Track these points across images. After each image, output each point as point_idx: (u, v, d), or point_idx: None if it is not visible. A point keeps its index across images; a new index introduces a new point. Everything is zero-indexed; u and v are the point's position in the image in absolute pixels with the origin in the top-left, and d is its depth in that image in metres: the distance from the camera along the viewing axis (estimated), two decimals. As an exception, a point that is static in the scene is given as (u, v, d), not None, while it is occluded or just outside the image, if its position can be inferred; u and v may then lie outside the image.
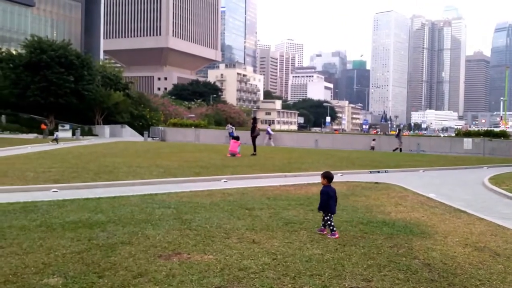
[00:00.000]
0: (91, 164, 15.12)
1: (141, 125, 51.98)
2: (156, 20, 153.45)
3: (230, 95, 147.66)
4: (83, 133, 43.15)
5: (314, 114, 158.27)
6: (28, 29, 68.08)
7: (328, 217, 6.27)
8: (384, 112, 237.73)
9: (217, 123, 72.68)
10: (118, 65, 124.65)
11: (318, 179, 12.93)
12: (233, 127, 37.53)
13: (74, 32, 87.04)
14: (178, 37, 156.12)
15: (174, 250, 5.24)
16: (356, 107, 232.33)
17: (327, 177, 6.48)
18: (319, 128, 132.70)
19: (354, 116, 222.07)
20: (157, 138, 41.09)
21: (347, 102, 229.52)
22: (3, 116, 42.40)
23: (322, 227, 6.40)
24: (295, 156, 22.11)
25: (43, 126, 38.17)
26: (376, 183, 12.51)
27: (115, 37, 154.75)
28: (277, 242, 5.71)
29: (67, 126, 42.05)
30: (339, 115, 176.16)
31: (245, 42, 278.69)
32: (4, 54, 45.80)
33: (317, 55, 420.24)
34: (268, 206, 8.37)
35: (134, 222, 6.61)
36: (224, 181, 12.46)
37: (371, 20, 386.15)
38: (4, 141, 26.25)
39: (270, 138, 34.72)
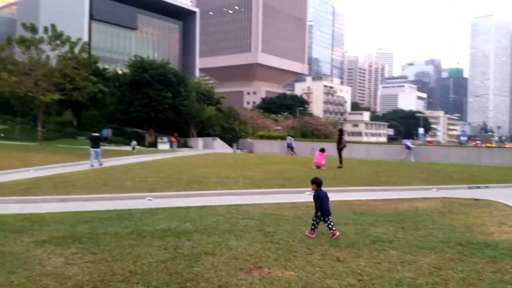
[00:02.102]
0: (184, 175, 15.85)
1: (231, 138, 53.60)
2: (246, 38, 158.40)
3: (317, 108, 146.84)
4: (179, 145, 45.53)
5: (405, 126, 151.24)
6: (132, 50, 74.01)
7: (315, 217, 6.79)
8: (484, 122, 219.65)
9: (303, 135, 72.52)
10: (211, 81, 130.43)
11: (409, 194, 12.46)
12: (292, 138, 37.65)
13: (172, 52, 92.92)
14: (266, 52, 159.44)
15: (255, 263, 5.25)
16: (452, 117, 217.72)
17: (316, 182, 7.03)
18: (411, 140, 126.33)
19: (450, 127, 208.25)
20: (245, 150, 42.03)
21: (442, 112, 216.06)
22: (110, 130, 46.31)
23: (333, 231, 6.76)
24: (383, 169, 21.23)
25: (173, 139, 40.32)
26: (476, 199, 11.50)
27: (209, 56, 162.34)
28: (363, 262, 5.44)
29: (165, 139, 44.67)
30: (433, 126, 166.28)
31: (332, 54, 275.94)
32: (111, 73, 50.32)
33: (409, 64, 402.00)
34: (354, 221, 8.10)
35: (218, 232, 6.80)
36: (309, 194, 12.32)
37: (468, 26, 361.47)
38: (109, 153, 28.50)
39: (409, 153, 32.29)
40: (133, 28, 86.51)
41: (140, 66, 45.20)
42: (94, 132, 21.73)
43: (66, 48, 35.45)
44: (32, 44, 33.49)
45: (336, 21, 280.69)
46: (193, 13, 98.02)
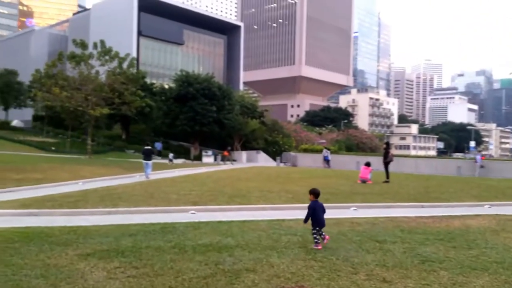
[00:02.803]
0: (227, 188, 15.88)
1: (274, 151, 53.54)
2: (290, 50, 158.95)
3: (362, 120, 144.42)
4: (223, 158, 45.92)
5: (456, 139, 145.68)
6: (179, 65, 75.92)
7: (314, 230, 6.89)
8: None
9: (348, 148, 71.33)
10: (255, 94, 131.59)
11: (460, 210, 11.82)
12: (329, 151, 37.10)
13: (217, 66, 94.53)
14: (310, 65, 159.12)
15: (297, 282, 5.08)
16: (506, 130, 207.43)
17: (314, 193, 7.25)
18: (462, 154, 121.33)
19: (503, 140, 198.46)
20: (289, 164, 41.77)
21: (494, 125, 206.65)
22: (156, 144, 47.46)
23: (325, 239, 6.95)
24: (433, 184, 20.34)
25: (225, 153, 40.82)
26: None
27: (253, 69, 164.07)
28: (411, 283, 5.15)
29: (209, 152, 45.23)
30: (485, 139, 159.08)
31: (378, 65, 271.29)
32: (158, 88, 51.78)
33: (459, 75, 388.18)
34: (402, 239, 7.72)
35: (260, 248, 6.67)
36: (354, 210, 12.00)
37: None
38: (156, 166, 29.14)
39: (478, 166, 30.49)
40: (180, 44, 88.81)
41: (185, 81, 46.21)
42: (147, 145, 22.71)
43: (115, 63, 36.84)
44: (82, 60, 35.03)
45: (382, 32, 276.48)
46: (237, 27, 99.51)
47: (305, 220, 7.05)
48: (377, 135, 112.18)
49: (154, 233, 7.73)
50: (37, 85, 43.23)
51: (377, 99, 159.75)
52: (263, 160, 49.49)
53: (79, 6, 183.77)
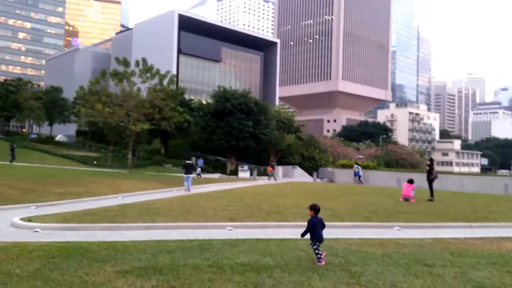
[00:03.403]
0: (263, 204, 15.66)
1: (311, 166, 52.94)
2: (326, 65, 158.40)
3: (401, 135, 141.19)
4: (259, 173, 45.83)
5: (501, 155, 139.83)
6: (216, 81, 77.12)
7: (315, 246, 6.87)
8: None
9: (387, 164, 69.62)
10: (291, 110, 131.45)
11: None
12: (359, 167, 36.35)
13: (254, 82, 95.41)
14: (347, 79, 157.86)
15: (342, 307, 4.80)
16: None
17: (314, 208, 7.27)
18: (508, 171, 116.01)
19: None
20: (326, 179, 41.11)
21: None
22: (194, 158, 47.90)
23: (320, 257, 6.88)
24: (480, 203, 19.33)
25: (270, 169, 40.52)
26: None
27: (289, 84, 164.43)
28: (465, 312, 4.77)
29: (245, 167, 45.23)
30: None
31: (417, 80, 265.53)
32: (196, 103, 52.59)
33: (503, 89, 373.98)
34: (452, 263, 7.24)
35: (300, 270, 6.40)
36: (397, 229, 11.49)
37: None
38: (193, 181, 29.33)
39: None
40: (218, 61, 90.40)
41: (223, 96, 46.68)
42: (188, 160, 24.34)
43: (155, 80, 37.68)
44: (125, 77, 36.00)
45: (421, 46, 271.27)
46: (274, 44, 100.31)
47: (303, 235, 7.16)
48: (418, 150, 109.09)
49: (192, 250, 7.60)
50: (81, 101, 44.83)
51: (417, 114, 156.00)
52: (299, 175, 48.96)
53: (122, 26, 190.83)
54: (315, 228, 6.99)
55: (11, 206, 13.54)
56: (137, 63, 36.83)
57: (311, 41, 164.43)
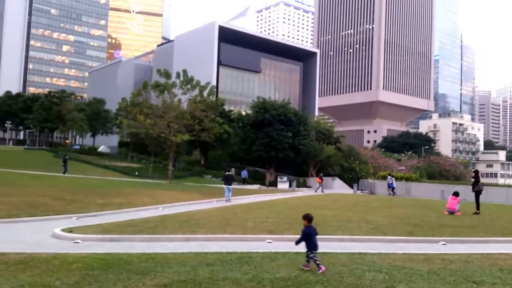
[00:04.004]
0: (303, 216, 15.41)
1: (351, 178, 52.03)
2: (366, 75, 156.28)
3: (444, 146, 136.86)
4: (298, 185, 45.41)
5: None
6: (256, 92, 77.50)
7: (312, 254, 7.09)
8: None
9: (429, 176, 67.39)
10: (331, 120, 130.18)
11: None
12: (393, 178, 35.73)
13: (293, 92, 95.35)
14: (388, 89, 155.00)
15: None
16: None
17: (307, 218, 7.53)
18: None
19: None
20: (366, 191, 40.26)
21: None
22: (233, 169, 48.10)
23: (307, 263, 7.17)
24: (531, 217, 18.33)
25: (318, 180, 39.86)
26: None
27: (329, 95, 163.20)
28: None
29: (284, 178, 44.95)
30: None
31: (461, 89, 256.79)
32: (235, 114, 52.97)
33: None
34: (502, 281, 6.83)
35: (343, 286, 6.19)
36: (443, 244, 10.99)
37: None
38: (233, 192, 29.32)
39: None
40: (257, 71, 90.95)
41: (262, 107, 46.76)
42: (228, 171, 24.93)
43: (196, 91, 38.23)
44: (166, 89, 36.71)
45: (465, 55, 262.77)
46: (313, 54, 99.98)
47: (297, 243, 7.42)
48: (461, 162, 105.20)
49: (231, 263, 7.52)
50: (123, 113, 46.03)
51: (460, 124, 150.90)
52: (338, 186, 48.17)
53: (163, 38, 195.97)
54: (310, 237, 7.23)
55: (53, 216, 13.72)
56: (178, 75, 37.50)
57: (351, 50, 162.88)
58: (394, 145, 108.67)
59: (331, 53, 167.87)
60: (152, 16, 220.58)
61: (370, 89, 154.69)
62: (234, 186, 39.02)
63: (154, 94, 38.17)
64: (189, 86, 37.55)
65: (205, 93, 38.96)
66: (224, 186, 23.43)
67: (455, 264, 8.15)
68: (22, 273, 6.51)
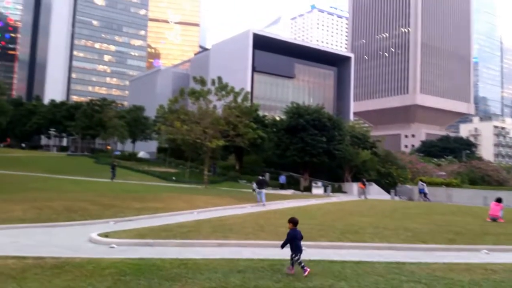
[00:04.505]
0: (338, 223, 15.14)
1: (388, 183, 50.91)
2: (403, 79, 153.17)
3: (486, 151, 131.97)
4: (333, 190, 44.76)
5: None
6: (290, 97, 77.32)
7: (296, 257, 7.29)
8: None
9: (471, 181, 64.87)
10: (366, 125, 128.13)
11: None
12: (425, 184, 35.00)
13: (327, 97, 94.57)
14: (426, 93, 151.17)
15: None
16: None
17: (292, 221, 7.77)
18: None
19: None
20: (404, 197, 39.20)
21: None
22: (267, 174, 48.05)
23: (291, 266, 7.36)
24: None
25: (361, 186, 39.17)
26: None
27: (364, 99, 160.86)
28: None
29: (319, 183, 44.43)
30: None
31: (502, 92, 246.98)
32: (269, 120, 53.01)
33: None
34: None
35: (378, 297, 5.97)
36: (485, 253, 10.49)
37: None
38: (267, 197, 29.22)
39: None
40: (291, 77, 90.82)
41: (296, 112, 46.54)
42: (261, 176, 26.04)
43: (230, 98, 38.50)
44: (201, 95, 37.17)
45: (505, 57, 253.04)
46: (347, 58, 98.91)
47: (282, 246, 7.69)
48: (504, 167, 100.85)
49: (263, 270, 7.42)
50: (161, 120, 46.94)
51: (502, 128, 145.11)
52: (375, 192, 47.14)
53: (200, 46, 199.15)
54: (294, 240, 7.49)
55: (91, 221, 14.07)
56: (213, 82, 37.90)
57: (386, 54, 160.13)
58: (434, 149, 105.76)
59: (366, 57, 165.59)
60: (190, 26, 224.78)
61: (407, 92, 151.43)
62: (269, 191, 39.09)
63: (190, 101, 38.69)
64: (223, 92, 37.85)
65: (239, 99, 39.16)
66: (256, 190, 24.24)
67: (498, 274, 7.76)
68: (57, 277, 6.63)
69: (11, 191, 22.82)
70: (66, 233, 12.22)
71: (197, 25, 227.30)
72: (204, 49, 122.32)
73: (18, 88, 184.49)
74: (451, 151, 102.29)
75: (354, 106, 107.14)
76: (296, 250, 7.39)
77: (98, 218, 14.66)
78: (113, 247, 9.97)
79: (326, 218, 16.57)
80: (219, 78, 38.02)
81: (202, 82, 37.59)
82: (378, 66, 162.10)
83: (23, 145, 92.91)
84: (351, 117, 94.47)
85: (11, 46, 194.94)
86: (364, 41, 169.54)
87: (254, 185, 35.40)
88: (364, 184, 38.55)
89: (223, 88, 37.83)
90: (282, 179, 43.26)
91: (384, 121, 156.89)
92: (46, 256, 8.24)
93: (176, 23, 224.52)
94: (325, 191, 42.32)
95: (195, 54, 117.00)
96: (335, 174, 51.17)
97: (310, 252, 9.79)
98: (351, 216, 18.09)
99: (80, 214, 15.08)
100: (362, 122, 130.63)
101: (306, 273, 7.10)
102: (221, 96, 37.85)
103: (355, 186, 47.86)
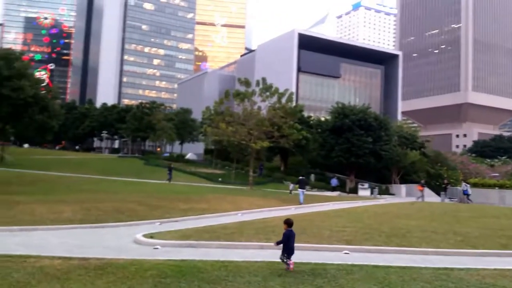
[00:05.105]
0: (384, 226, 14.77)
1: (438, 185, 49.10)
2: (454, 77, 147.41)
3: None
4: (380, 192, 43.74)
5: None
6: (335, 97, 76.25)
7: (284, 256, 7.68)
8: None
9: (526, 183, 61.35)
10: (415, 124, 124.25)
11: None
12: (468, 185, 34.08)
13: (374, 96, 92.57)
14: (478, 90, 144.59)
15: None
16: None
17: (287, 223, 7.97)
18: None
19: None
20: (455, 199, 37.64)
21: None
22: (312, 175, 47.70)
23: (288, 264, 7.67)
24: None
25: (419, 188, 37.79)
26: None
27: (412, 98, 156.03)
28: None
29: (365, 185, 43.55)
30: None
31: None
32: (314, 120, 52.59)
33: None
34: None
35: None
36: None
37: None
38: (311, 198, 29.03)
39: None
40: (337, 77, 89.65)
41: (341, 112, 45.95)
42: (302, 176, 26.82)
43: (274, 98, 38.50)
44: (246, 97, 37.42)
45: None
46: (395, 56, 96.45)
47: (277, 243, 7.96)
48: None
49: (304, 274, 7.35)
50: (207, 121, 47.71)
51: None
52: (425, 194, 45.58)
53: (246, 48, 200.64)
54: (289, 240, 7.73)
55: (138, 222, 14.33)
56: (257, 83, 38.06)
57: (436, 51, 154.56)
58: (486, 149, 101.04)
59: (415, 55, 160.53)
60: (236, 28, 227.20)
61: (458, 90, 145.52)
62: (315, 192, 38.74)
63: (235, 102, 39.03)
64: (268, 93, 37.90)
65: (283, 100, 39.06)
66: (298, 189, 25.23)
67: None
68: (99, 279, 6.77)
69: (63, 193, 23.65)
70: (113, 233, 12.53)
71: (242, 27, 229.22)
72: (250, 51, 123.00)
73: (72, 92, 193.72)
74: (505, 151, 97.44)
75: (402, 106, 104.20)
76: (286, 251, 7.71)
77: (144, 219, 14.92)
78: (157, 248, 10.10)
79: (371, 221, 16.21)
80: (264, 79, 38.12)
81: (247, 83, 37.81)
82: (428, 64, 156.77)
83: (77, 147, 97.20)
84: (399, 117, 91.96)
85: (65, 51, 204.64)
86: (412, 38, 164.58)
87: (291, 186, 35.43)
88: (423, 186, 37.34)
89: (267, 89, 37.90)
90: (334, 182, 42.50)
91: (433, 120, 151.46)
92: (91, 257, 8.45)
93: (222, 25, 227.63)
94: (371, 193, 41.45)
95: (241, 56, 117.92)
96: (382, 176, 50.06)
97: (354, 256, 9.63)
98: (398, 219, 17.60)
99: (127, 215, 15.41)
100: (411, 122, 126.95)
101: (288, 268, 7.61)
102: (265, 97, 37.94)
103: (403, 188, 46.57)
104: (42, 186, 28.36)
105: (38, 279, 6.63)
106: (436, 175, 51.76)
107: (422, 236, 12.63)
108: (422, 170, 49.93)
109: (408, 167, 48.66)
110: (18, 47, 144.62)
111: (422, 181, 39.63)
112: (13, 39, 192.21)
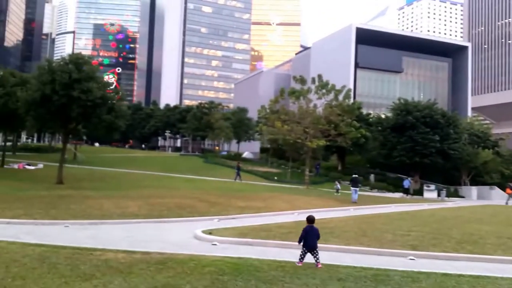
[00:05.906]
0: (454, 231, 13.75)
1: (513, 187, 45.71)
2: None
3: None
4: (448, 194, 41.27)
5: None
6: (397, 93, 73.28)
7: (303, 250, 7.82)
8: None
9: None
10: (487, 121, 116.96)
11: None
12: None
13: (440, 92, 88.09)
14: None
15: None
16: None
17: (308, 219, 8.22)
18: None
19: None
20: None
21: None
22: (372, 175, 46.01)
23: (317, 262, 7.72)
24: None
25: (508, 191, 35.43)
26: None
27: (484, 93, 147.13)
28: None
29: (432, 187, 41.26)
30: None
31: None
32: (374, 118, 50.80)
33: None
34: None
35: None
36: None
37: None
38: (371, 199, 28.01)
39: None
40: (398, 71, 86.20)
41: (403, 109, 44.02)
42: (355, 174, 27.19)
43: (331, 96, 37.52)
44: (301, 95, 36.78)
45: None
46: (464, 48, 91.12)
47: (299, 241, 8.01)
48: None
49: (365, 280, 6.81)
50: (263, 120, 47.66)
51: None
52: (498, 197, 42.40)
53: (302, 46, 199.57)
54: (308, 236, 7.84)
55: (198, 218, 14.74)
56: (313, 80, 37.33)
57: (510, 42, 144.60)
58: None
59: (485, 46, 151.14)
60: (291, 26, 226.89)
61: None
62: (375, 193, 37.38)
63: (291, 100, 38.55)
64: (324, 90, 37.04)
65: (340, 97, 37.90)
66: (351, 188, 25.52)
67: None
68: (159, 273, 6.80)
69: (129, 188, 24.93)
70: (174, 229, 12.82)
71: (298, 24, 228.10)
72: (305, 48, 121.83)
73: (137, 94, 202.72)
74: None
75: (472, 101, 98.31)
76: (305, 245, 7.81)
77: (204, 215, 15.25)
78: (215, 244, 10.20)
79: (440, 226, 15.14)
80: (319, 76, 37.32)
81: (302, 81, 37.19)
82: (500, 55, 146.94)
83: (143, 146, 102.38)
84: (469, 113, 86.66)
85: (131, 56, 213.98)
86: (482, 28, 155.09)
87: (338, 186, 34.18)
88: (511, 188, 34.73)
89: (323, 86, 37.05)
90: (407, 183, 39.07)
91: (508, 117, 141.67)
92: (153, 251, 8.62)
93: (277, 24, 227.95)
94: (438, 195, 39.17)
95: (296, 54, 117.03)
96: (450, 177, 47.36)
97: (420, 262, 8.91)
98: (469, 223, 16.36)
99: (188, 211, 15.82)
100: (482, 119, 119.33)
101: (298, 263, 7.76)
102: (321, 94, 37.12)
103: (474, 190, 43.86)
104: (110, 182, 30.10)
105: (102, 272, 6.78)
106: (511, 176, 48.26)
107: (497, 243, 11.61)
108: (495, 171, 46.77)
109: (479, 167, 45.68)
110: (88, 52, 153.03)
111: (510, 184, 36.85)
112: (84, 45, 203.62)
